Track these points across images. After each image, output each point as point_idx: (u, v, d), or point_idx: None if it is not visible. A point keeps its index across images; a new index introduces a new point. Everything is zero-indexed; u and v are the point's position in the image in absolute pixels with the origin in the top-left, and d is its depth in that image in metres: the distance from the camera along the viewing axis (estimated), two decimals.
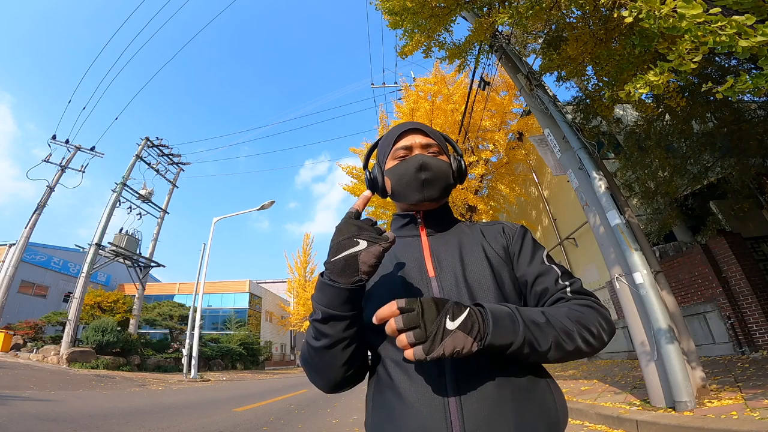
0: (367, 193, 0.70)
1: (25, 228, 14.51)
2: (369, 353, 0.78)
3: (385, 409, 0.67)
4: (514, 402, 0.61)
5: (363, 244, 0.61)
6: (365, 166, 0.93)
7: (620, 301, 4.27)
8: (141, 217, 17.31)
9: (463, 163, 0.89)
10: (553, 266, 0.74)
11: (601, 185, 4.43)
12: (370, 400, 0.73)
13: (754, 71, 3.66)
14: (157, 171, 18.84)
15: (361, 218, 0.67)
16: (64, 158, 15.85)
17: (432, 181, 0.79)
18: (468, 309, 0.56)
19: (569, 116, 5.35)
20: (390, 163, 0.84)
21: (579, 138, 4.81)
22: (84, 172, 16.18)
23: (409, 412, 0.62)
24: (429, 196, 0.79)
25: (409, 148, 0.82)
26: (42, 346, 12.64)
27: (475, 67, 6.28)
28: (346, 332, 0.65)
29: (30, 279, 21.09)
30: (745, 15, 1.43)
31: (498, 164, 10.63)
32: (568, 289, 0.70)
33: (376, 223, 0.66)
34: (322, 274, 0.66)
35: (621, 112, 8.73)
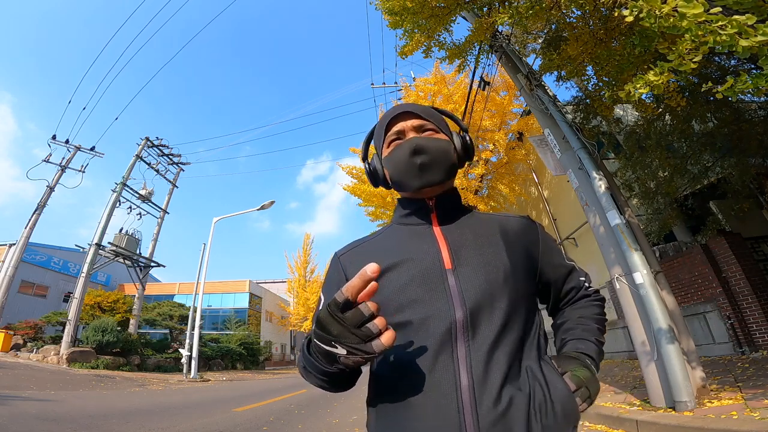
0: (373, 285, 0.51)
1: (25, 228, 14.50)
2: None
3: (390, 414, 0.64)
4: (531, 405, 0.59)
5: (342, 351, 0.52)
6: (364, 158, 0.87)
7: (620, 301, 4.26)
8: (141, 217, 17.30)
9: (467, 138, 0.82)
10: (572, 263, 0.82)
11: (601, 185, 4.43)
12: (373, 404, 0.69)
13: (754, 71, 3.66)
14: (157, 171, 18.82)
15: (351, 308, 0.50)
16: (64, 158, 15.85)
17: (430, 164, 0.72)
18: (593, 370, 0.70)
19: (569, 116, 5.35)
20: (385, 152, 0.79)
21: (579, 138, 4.81)
22: (84, 172, 16.18)
23: (420, 414, 0.60)
24: (430, 181, 0.73)
25: (401, 133, 0.77)
26: (42, 346, 12.63)
27: (475, 67, 6.28)
28: (336, 379, 0.63)
29: (30, 279, 21.08)
30: (746, 15, 1.43)
31: (498, 164, 10.62)
32: (587, 284, 0.82)
33: (368, 318, 0.50)
34: (310, 341, 0.60)
35: (621, 112, 8.72)
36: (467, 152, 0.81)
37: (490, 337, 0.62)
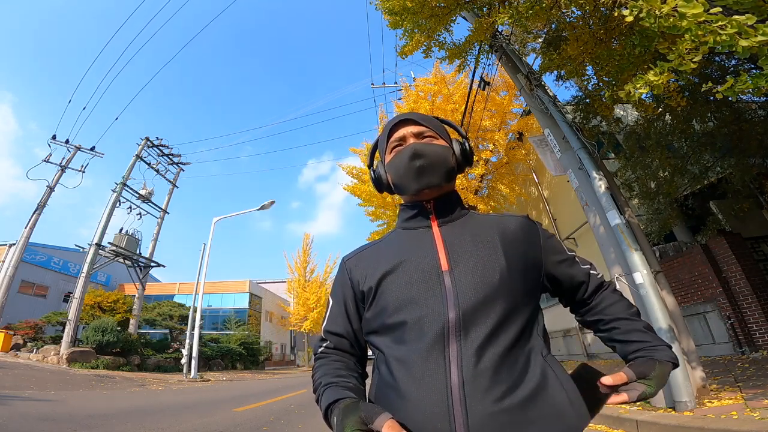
0: None
1: (25, 228, 14.49)
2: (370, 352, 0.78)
3: (386, 409, 0.65)
4: (524, 405, 0.59)
5: None
6: (370, 166, 0.92)
7: None
8: (141, 217, 17.29)
9: (467, 144, 0.86)
10: (572, 253, 0.83)
11: (601, 185, 4.42)
12: (372, 398, 0.71)
13: (754, 71, 3.66)
14: (157, 171, 18.81)
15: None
16: (64, 158, 15.83)
17: (427, 167, 0.76)
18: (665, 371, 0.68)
19: (569, 116, 5.35)
20: (388, 158, 0.84)
21: (579, 138, 4.81)
22: (84, 172, 16.17)
23: (412, 412, 0.61)
24: (427, 184, 0.77)
25: (402, 139, 0.82)
26: (42, 346, 12.63)
27: (475, 67, 6.28)
28: None
29: (30, 279, 21.08)
30: (746, 15, 1.43)
31: (498, 164, 10.62)
32: (599, 277, 0.82)
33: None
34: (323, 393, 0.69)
35: (621, 112, 8.72)
36: (466, 158, 0.85)
37: (482, 337, 0.63)
